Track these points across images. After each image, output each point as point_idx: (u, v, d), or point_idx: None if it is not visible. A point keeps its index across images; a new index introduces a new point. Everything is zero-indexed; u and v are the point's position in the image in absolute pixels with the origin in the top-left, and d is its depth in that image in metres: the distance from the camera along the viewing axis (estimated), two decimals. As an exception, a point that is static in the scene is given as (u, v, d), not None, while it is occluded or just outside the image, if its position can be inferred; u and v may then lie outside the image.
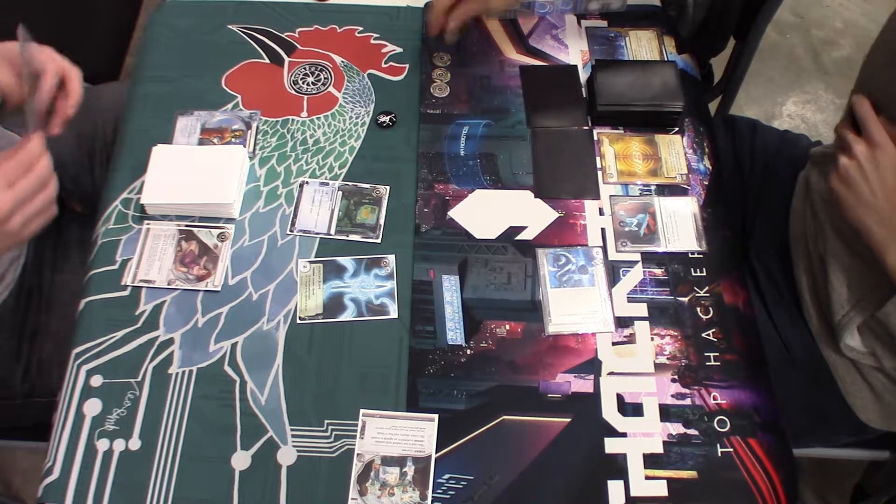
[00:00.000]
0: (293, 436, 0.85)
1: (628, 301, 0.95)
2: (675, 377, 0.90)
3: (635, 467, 0.85)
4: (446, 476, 0.84)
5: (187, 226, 0.98)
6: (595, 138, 1.07)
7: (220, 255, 0.96)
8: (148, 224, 0.98)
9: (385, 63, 1.14)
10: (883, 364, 0.94)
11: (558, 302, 0.94)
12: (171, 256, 0.96)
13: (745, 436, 0.87)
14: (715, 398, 0.89)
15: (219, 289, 0.94)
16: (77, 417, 0.86)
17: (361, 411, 0.87)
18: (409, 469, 0.84)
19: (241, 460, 0.84)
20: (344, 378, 0.89)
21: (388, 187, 1.02)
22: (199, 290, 0.94)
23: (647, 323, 0.94)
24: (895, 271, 0.80)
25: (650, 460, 0.85)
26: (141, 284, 0.94)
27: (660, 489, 0.84)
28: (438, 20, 1.05)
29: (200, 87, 1.10)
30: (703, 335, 0.93)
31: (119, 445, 0.84)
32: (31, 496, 1.50)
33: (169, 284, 0.94)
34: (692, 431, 0.87)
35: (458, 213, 1.01)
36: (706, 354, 0.92)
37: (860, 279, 0.93)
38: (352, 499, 0.82)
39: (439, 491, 0.83)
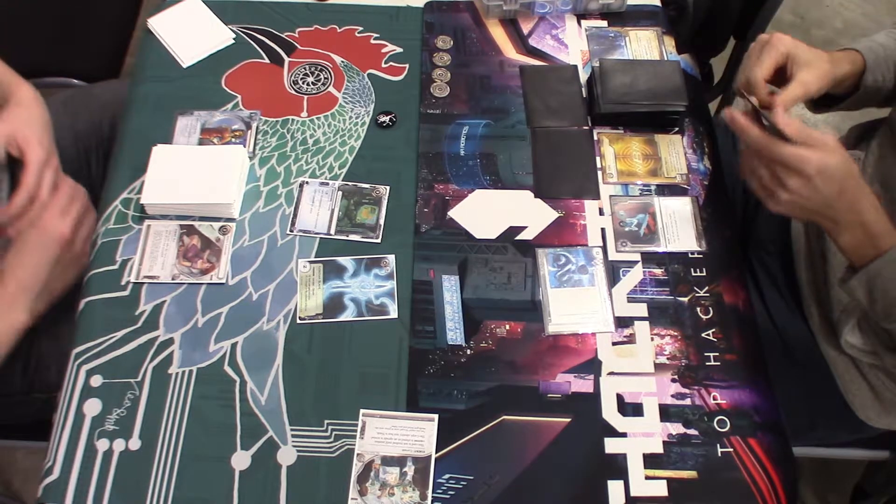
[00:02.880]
0: (293, 436, 0.85)
1: (628, 301, 0.95)
2: (675, 377, 0.90)
3: (635, 467, 0.85)
4: (446, 476, 0.84)
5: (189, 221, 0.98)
6: (595, 138, 1.07)
7: (223, 248, 0.96)
8: (148, 221, 0.98)
9: (385, 63, 1.14)
10: (884, 361, 0.94)
11: (558, 302, 0.94)
12: (173, 251, 0.96)
13: (745, 436, 0.87)
14: (715, 398, 0.89)
15: (223, 280, 0.94)
16: (77, 417, 0.86)
17: (361, 411, 0.87)
18: (409, 469, 0.84)
19: (241, 460, 0.84)
20: (344, 378, 0.89)
21: (388, 187, 1.02)
22: (203, 284, 0.94)
23: (647, 323, 0.94)
24: (846, 250, 0.86)
25: (650, 460, 0.85)
26: (144, 281, 0.94)
27: (660, 489, 0.84)
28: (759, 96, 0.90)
29: (200, 87, 1.10)
30: (703, 335, 0.93)
31: (119, 445, 0.84)
32: (31, 496, 1.49)
33: (173, 279, 0.94)
34: (692, 431, 0.87)
35: (458, 213, 1.01)
36: (706, 354, 0.92)
37: None
38: (352, 499, 0.82)
39: (439, 491, 0.83)
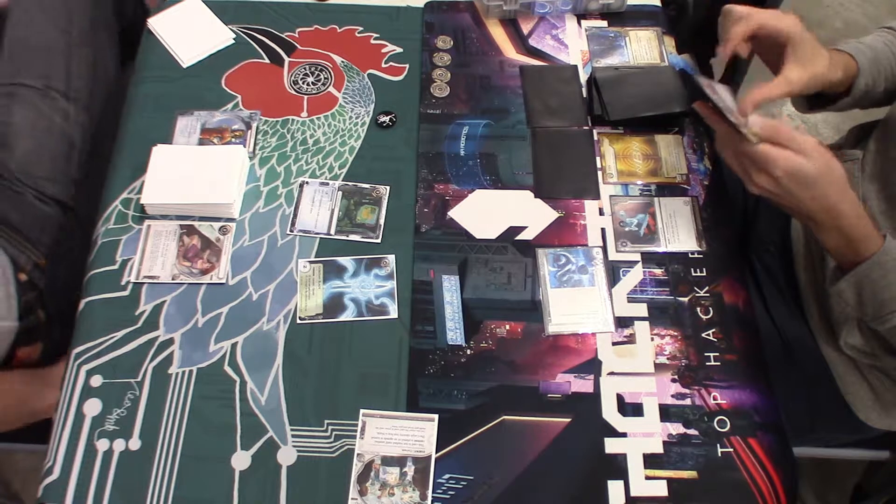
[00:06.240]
0: (293, 436, 0.85)
1: (628, 301, 0.95)
2: (675, 377, 0.90)
3: (635, 467, 0.85)
4: (446, 476, 0.84)
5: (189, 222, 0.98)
6: (595, 138, 1.07)
7: (223, 248, 0.96)
8: (148, 221, 0.98)
9: (385, 63, 1.14)
10: (883, 363, 0.94)
11: (558, 302, 0.94)
12: (173, 252, 0.96)
13: (745, 436, 0.87)
14: (715, 398, 0.89)
15: (223, 280, 0.94)
16: (77, 417, 0.86)
17: (361, 411, 0.87)
18: (409, 469, 0.84)
19: (241, 460, 0.84)
20: (344, 378, 0.89)
21: (388, 187, 1.02)
22: (203, 284, 0.94)
23: (647, 323, 0.94)
24: (830, 250, 0.86)
25: (650, 460, 0.85)
26: (144, 281, 0.94)
27: (660, 489, 0.84)
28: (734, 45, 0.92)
29: (200, 87, 1.10)
30: (703, 335, 0.93)
31: (119, 445, 0.84)
32: (31, 496, 1.49)
33: (173, 279, 0.94)
34: (692, 431, 0.87)
35: (458, 213, 1.01)
36: (706, 354, 0.92)
37: None
38: (352, 499, 0.82)
39: (439, 491, 0.83)
